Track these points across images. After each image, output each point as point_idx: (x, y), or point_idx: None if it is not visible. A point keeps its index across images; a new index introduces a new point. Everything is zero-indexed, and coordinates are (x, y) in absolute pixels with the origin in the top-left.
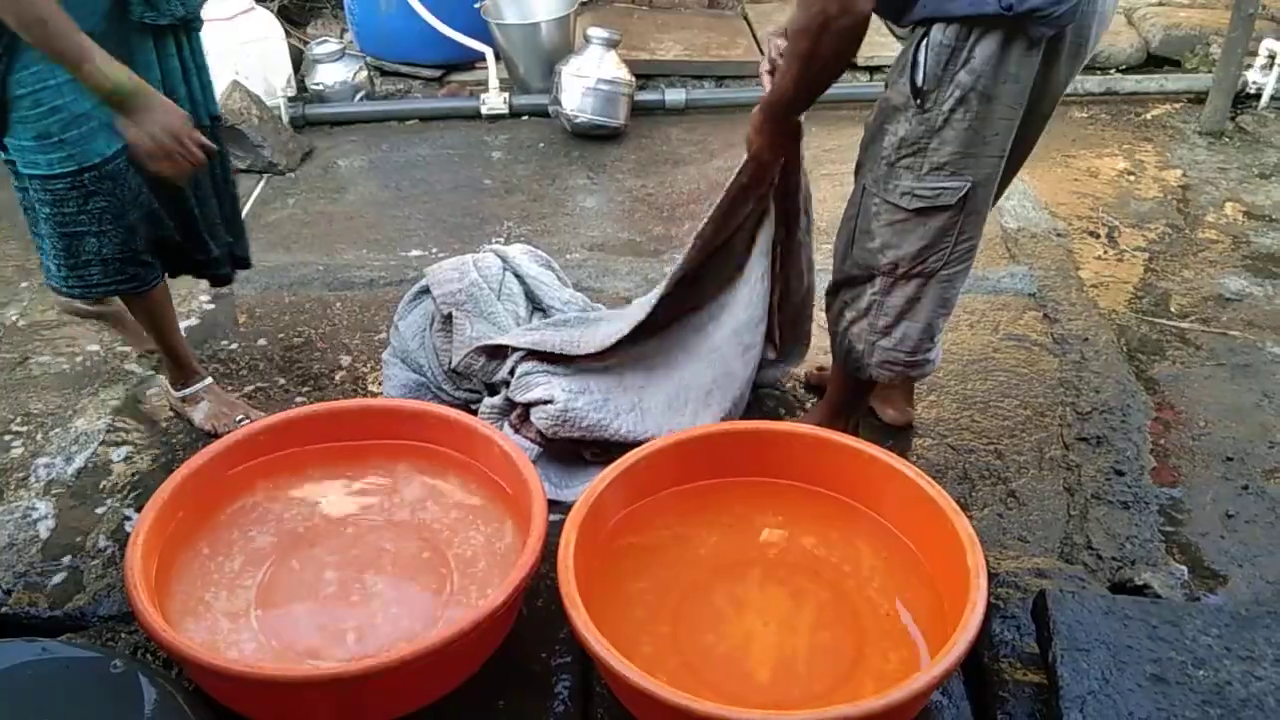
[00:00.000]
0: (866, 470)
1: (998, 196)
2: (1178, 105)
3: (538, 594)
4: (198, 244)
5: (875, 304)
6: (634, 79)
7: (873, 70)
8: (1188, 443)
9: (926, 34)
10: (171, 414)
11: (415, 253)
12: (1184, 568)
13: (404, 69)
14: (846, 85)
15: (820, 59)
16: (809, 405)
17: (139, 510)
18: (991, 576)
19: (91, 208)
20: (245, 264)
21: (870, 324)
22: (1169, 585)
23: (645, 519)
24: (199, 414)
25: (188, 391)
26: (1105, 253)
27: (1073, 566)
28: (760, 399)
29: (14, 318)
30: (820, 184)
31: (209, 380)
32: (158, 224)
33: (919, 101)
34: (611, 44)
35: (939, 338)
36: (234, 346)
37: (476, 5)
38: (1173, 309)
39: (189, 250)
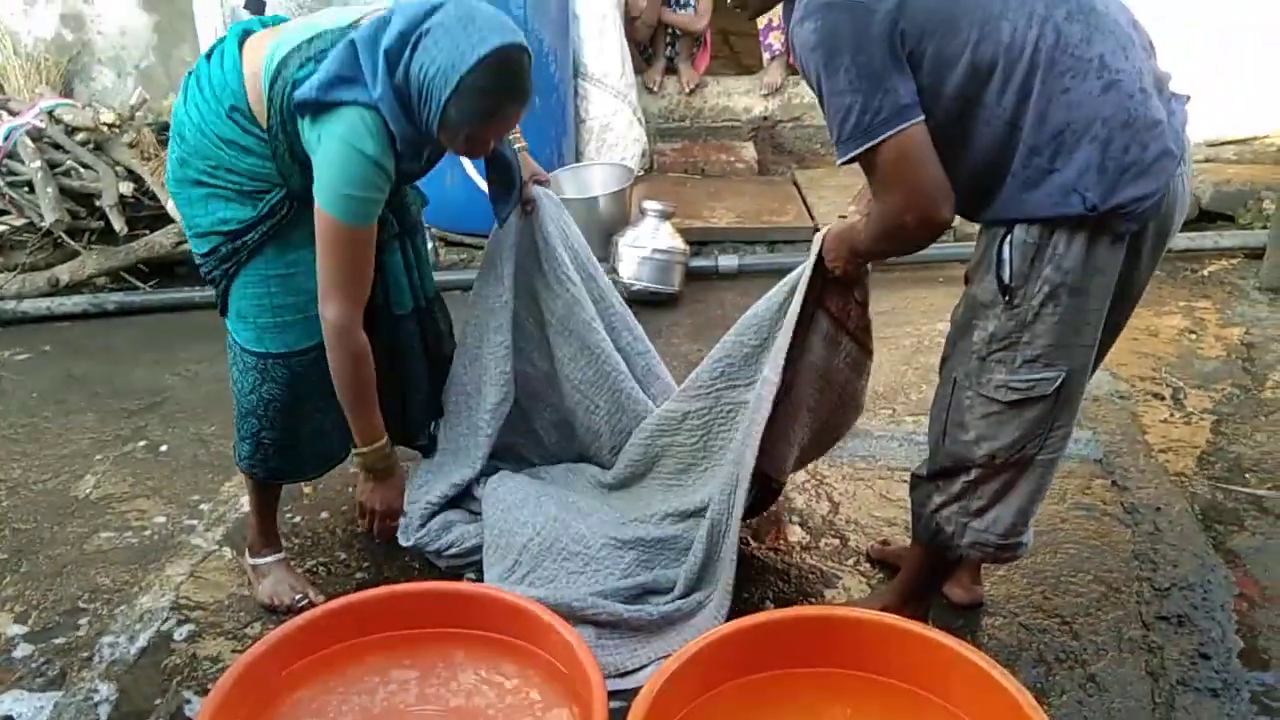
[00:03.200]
0: (935, 658)
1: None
2: (1234, 261)
3: None
4: (411, 427)
5: (968, 489)
6: (688, 247)
7: None
8: (1276, 621)
9: (1009, 231)
10: (235, 590)
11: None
12: None
13: (468, 240)
14: None
15: (895, 248)
16: (874, 582)
17: (199, 693)
18: None
19: (266, 392)
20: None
21: (963, 507)
22: None
23: (709, 712)
24: (263, 588)
25: (259, 562)
26: (1171, 415)
27: None
28: (825, 578)
29: (88, 490)
30: (876, 348)
31: (281, 555)
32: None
33: (1007, 298)
34: (666, 215)
35: (1032, 521)
36: (297, 519)
37: None
38: (1246, 474)
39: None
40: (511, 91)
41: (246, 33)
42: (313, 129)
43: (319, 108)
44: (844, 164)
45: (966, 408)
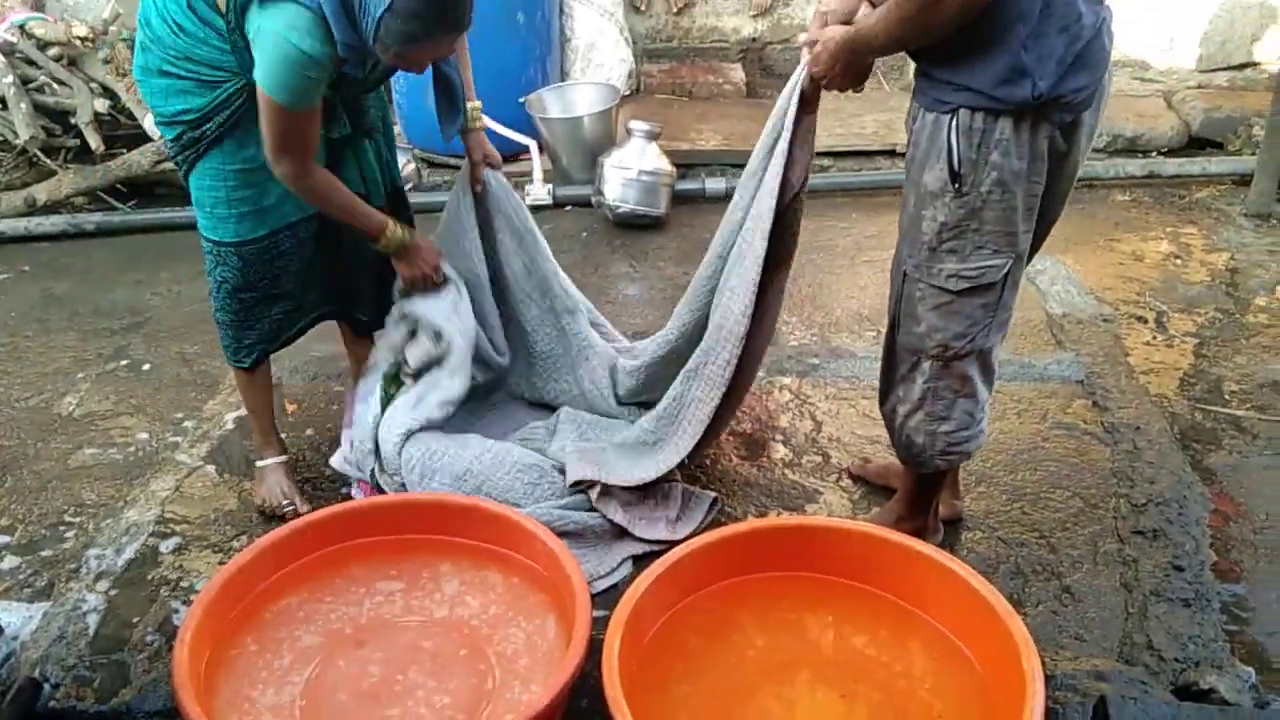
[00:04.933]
0: (916, 567)
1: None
2: (1222, 188)
3: (582, 694)
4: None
5: (928, 391)
6: (674, 169)
7: None
8: (1249, 536)
9: (954, 119)
10: (219, 505)
11: None
12: (1251, 670)
13: (451, 161)
14: (886, 172)
15: (921, 26)
16: (857, 498)
17: (186, 603)
18: (1049, 679)
19: (219, 274)
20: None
21: (928, 413)
22: (1236, 689)
23: (691, 616)
24: (260, 490)
25: (260, 464)
26: (1154, 338)
27: (1133, 668)
28: (806, 493)
29: (71, 407)
30: (861, 270)
31: (282, 459)
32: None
33: (957, 185)
34: (652, 136)
35: (987, 406)
36: (282, 436)
37: (521, 100)
38: (1226, 396)
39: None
40: (443, 21)
41: None
42: (254, 20)
43: (263, 1)
44: None
45: (918, 299)
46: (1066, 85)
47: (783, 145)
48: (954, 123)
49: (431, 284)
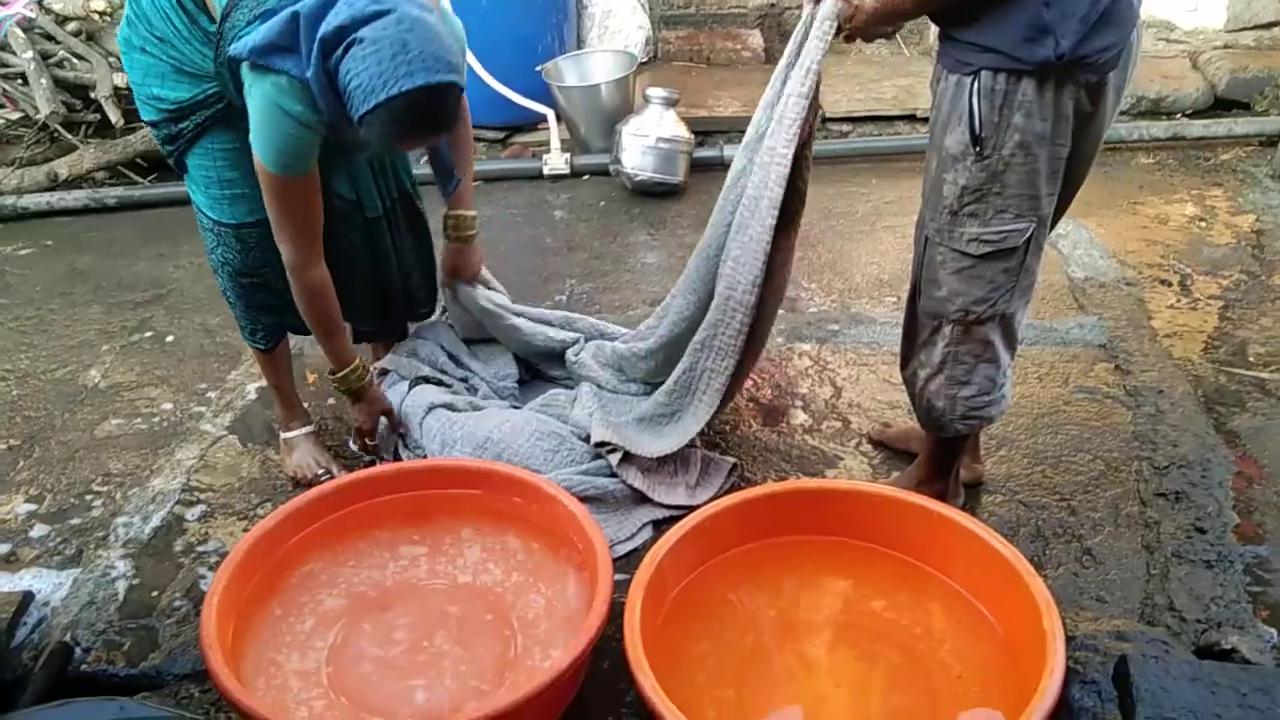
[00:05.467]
0: (936, 530)
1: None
2: (1248, 149)
3: (604, 655)
4: (353, 314)
5: (949, 355)
6: (693, 136)
7: None
8: (1272, 498)
9: (976, 81)
10: (244, 473)
11: None
12: (1273, 630)
13: None
14: (906, 137)
15: None
16: (877, 462)
17: (213, 569)
18: (1069, 639)
19: (221, 255)
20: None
21: (948, 377)
22: (1258, 649)
23: (711, 579)
24: (290, 461)
25: (287, 435)
26: (1178, 301)
27: (1154, 629)
28: (826, 458)
29: (96, 379)
30: (882, 236)
31: (310, 428)
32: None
33: (978, 149)
34: (670, 103)
35: (1010, 372)
36: (304, 405)
37: (538, 69)
38: (1251, 358)
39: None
40: (423, 126)
41: None
42: (247, 79)
43: (253, 65)
44: None
45: (939, 264)
46: (1091, 44)
47: (797, 109)
48: (975, 84)
49: (372, 449)
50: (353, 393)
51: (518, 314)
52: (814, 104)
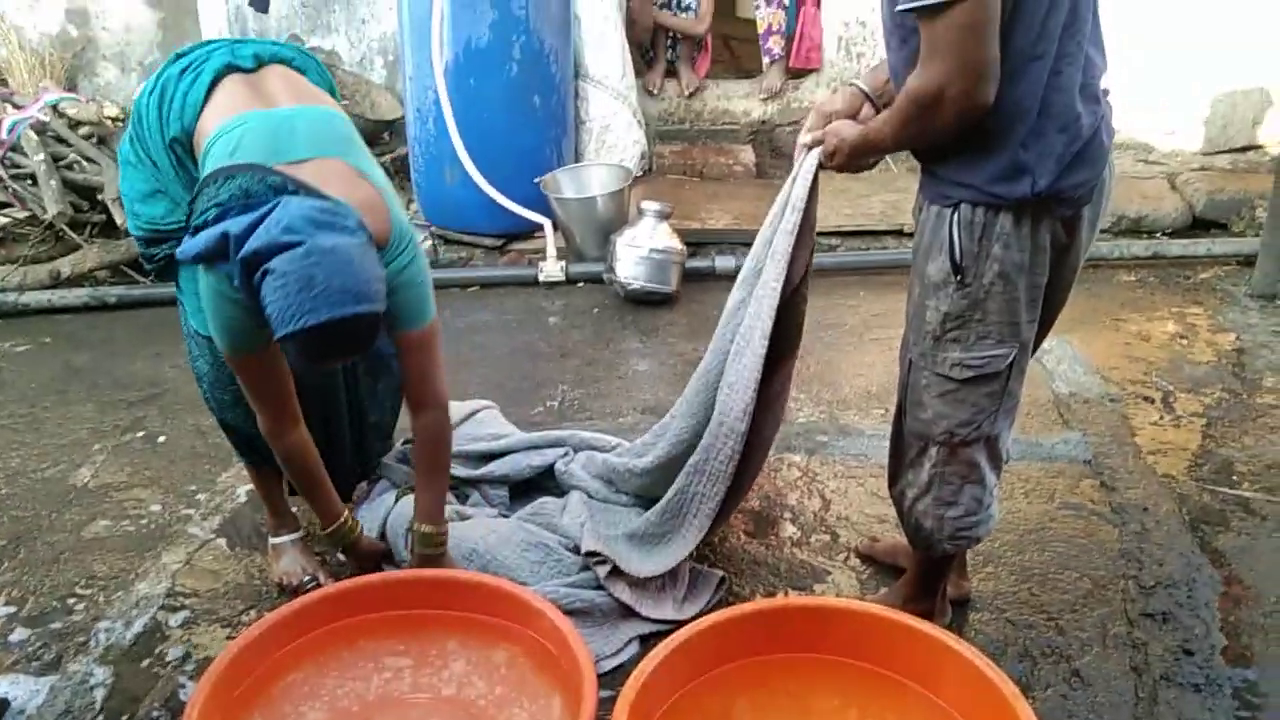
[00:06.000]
0: (924, 649)
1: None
2: (1227, 268)
3: None
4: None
5: (936, 476)
6: (685, 247)
7: None
8: (1259, 620)
9: (956, 213)
10: (230, 578)
11: None
12: None
13: (466, 238)
14: (894, 251)
15: (924, 130)
16: (866, 578)
17: (193, 678)
18: None
19: (200, 365)
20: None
21: (936, 498)
22: None
23: (698, 698)
24: (277, 567)
25: (275, 541)
26: (1161, 418)
27: None
28: (814, 572)
29: (86, 479)
30: (869, 348)
31: (298, 534)
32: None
33: (959, 277)
34: (664, 215)
35: (997, 491)
36: (294, 510)
37: (536, 181)
38: (1235, 477)
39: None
40: (334, 353)
41: (228, 69)
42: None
43: (206, 268)
44: (903, 11)
45: (924, 387)
46: (1066, 181)
47: (785, 244)
48: (955, 216)
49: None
50: (346, 546)
51: (505, 452)
52: (807, 240)
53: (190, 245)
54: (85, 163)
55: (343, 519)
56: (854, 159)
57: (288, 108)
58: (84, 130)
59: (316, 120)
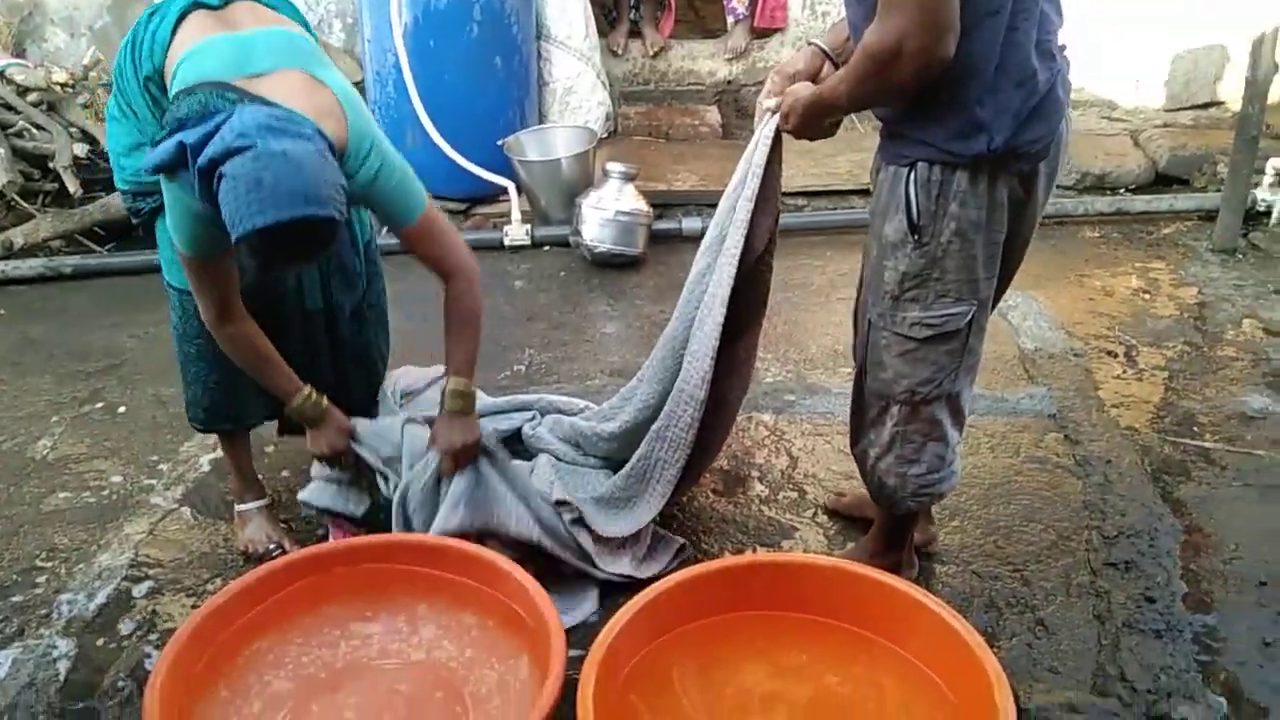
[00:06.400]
0: (889, 603)
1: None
2: (1189, 223)
3: None
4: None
5: (898, 435)
6: (651, 209)
7: None
8: (1219, 567)
9: (912, 172)
10: (194, 547)
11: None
12: (1223, 700)
13: (449, 205)
14: (860, 211)
15: (881, 86)
16: (833, 533)
17: (159, 648)
18: (1022, 711)
19: (175, 319)
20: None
21: (898, 456)
22: None
23: (665, 656)
24: (242, 535)
25: (241, 508)
26: (1124, 372)
27: (1106, 700)
28: (782, 529)
29: (44, 452)
30: (836, 307)
31: (263, 502)
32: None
33: (916, 236)
34: (629, 177)
35: (960, 448)
36: (259, 477)
37: (500, 142)
38: (1196, 429)
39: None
40: (285, 256)
41: (195, 5)
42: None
43: (168, 178)
44: None
45: (883, 347)
46: (1022, 137)
47: (746, 211)
48: (912, 175)
49: (337, 464)
50: (310, 420)
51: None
52: (770, 207)
53: (150, 157)
54: (35, 130)
55: (305, 391)
56: (810, 120)
57: (249, 30)
58: (33, 97)
59: (277, 36)
